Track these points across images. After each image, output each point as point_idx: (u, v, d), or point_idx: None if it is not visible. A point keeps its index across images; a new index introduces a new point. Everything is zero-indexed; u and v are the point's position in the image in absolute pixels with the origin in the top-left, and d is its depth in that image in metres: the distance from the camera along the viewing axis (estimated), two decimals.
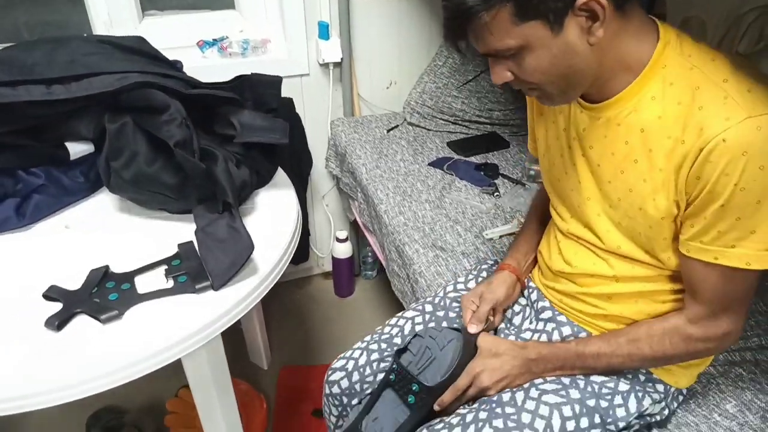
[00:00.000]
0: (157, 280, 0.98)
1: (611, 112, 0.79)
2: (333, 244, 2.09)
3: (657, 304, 0.87)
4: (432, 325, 1.05)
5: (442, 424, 0.88)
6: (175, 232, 1.08)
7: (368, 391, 1.03)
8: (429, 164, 1.70)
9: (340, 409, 1.06)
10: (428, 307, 1.09)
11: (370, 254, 2.21)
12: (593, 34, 0.70)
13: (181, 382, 1.57)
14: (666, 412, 0.92)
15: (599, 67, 0.74)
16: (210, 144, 1.12)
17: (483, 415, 0.86)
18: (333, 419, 1.10)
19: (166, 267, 1.00)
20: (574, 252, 0.93)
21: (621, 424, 0.87)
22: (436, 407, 0.91)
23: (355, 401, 1.04)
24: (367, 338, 1.09)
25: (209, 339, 0.93)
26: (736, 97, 0.67)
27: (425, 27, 1.91)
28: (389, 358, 1.03)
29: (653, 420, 0.92)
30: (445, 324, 1.05)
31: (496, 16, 0.68)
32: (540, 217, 1.09)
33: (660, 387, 0.90)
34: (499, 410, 0.86)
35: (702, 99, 0.70)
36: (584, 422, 0.85)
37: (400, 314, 1.11)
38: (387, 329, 1.09)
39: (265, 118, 1.21)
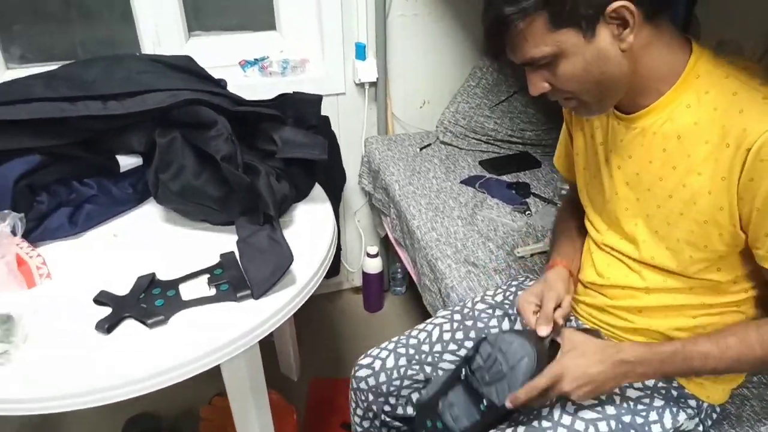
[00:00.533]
0: (200, 287, 1.02)
1: (647, 121, 0.82)
2: (363, 259, 2.12)
3: (687, 319, 0.88)
4: (460, 335, 1.06)
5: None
6: (218, 242, 1.13)
7: (395, 393, 1.06)
8: (461, 182, 1.72)
9: (365, 404, 1.10)
10: (457, 316, 1.11)
11: (399, 270, 2.24)
12: (624, 41, 0.73)
13: (215, 391, 1.61)
14: (701, 428, 0.92)
15: (632, 74, 0.77)
16: (253, 159, 1.17)
17: (521, 429, 0.88)
18: (359, 412, 1.13)
19: (209, 275, 1.04)
20: (607, 264, 0.95)
21: None
22: (507, 404, 0.84)
23: (381, 400, 1.07)
24: (395, 339, 1.11)
25: (248, 346, 0.97)
26: None
27: (459, 48, 1.95)
28: (416, 366, 1.05)
29: None
30: (473, 334, 1.06)
31: (531, 24, 0.73)
32: (574, 220, 1.09)
33: (692, 402, 0.90)
34: (536, 424, 0.88)
35: (741, 103, 0.72)
36: None
37: (429, 320, 1.14)
38: (415, 333, 1.11)
39: (306, 134, 1.25)
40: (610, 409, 0.88)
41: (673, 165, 0.80)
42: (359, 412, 1.14)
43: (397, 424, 1.12)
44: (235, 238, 1.11)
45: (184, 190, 1.10)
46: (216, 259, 1.08)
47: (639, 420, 0.87)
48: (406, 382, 1.06)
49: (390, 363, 1.07)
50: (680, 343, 0.82)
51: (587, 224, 1.01)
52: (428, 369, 1.07)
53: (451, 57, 1.96)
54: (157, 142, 1.10)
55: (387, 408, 1.08)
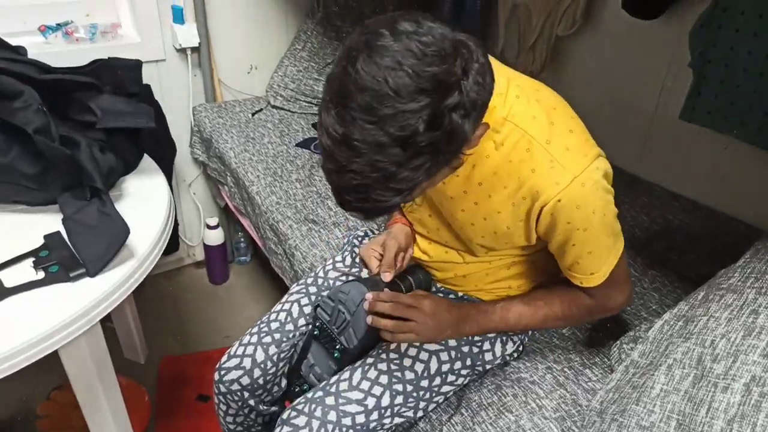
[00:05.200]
0: (25, 272, 0.95)
1: None
2: (204, 232, 2.07)
3: (504, 270, 1.00)
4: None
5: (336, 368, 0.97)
6: (37, 224, 1.05)
7: (271, 380, 1.06)
8: (296, 145, 1.76)
9: (240, 403, 1.07)
10: (312, 289, 1.12)
11: (242, 240, 2.22)
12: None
13: (50, 385, 1.50)
14: (521, 348, 1.08)
15: None
16: (69, 131, 1.09)
17: (370, 360, 0.96)
18: (231, 412, 1.11)
19: (33, 259, 0.97)
20: (428, 242, 1.04)
21: (488, 367, 1.02)
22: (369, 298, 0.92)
23: (258, 392, 1.06)
24: (255, 330, 1.07)
25: (89, 326, 0.93)
26: (560, 159, 0.78)
27: (281, 11, 1.95)
28: (286, 346, 1.06)
29: (510, 359, 1.07)
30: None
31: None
32: None
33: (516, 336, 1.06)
34: (384, 356, 0.96)
35: (532, 162, 0.79)
36: (458, 365, 0.98)
37: (284, 298, 1.13)
38: (274, 316, 1.09)
39: (128, 102, 1.19)
40: (452, 342, 0.99)
41: (475, 201, 0.88)
42: (231, 412, 1.11)
43: (273, 409, 1.11)
44: (59, 217, 1.04)
45: None
46: (40, 241, 1.01)
47: (475, 350, 1.00)
48: (281, 364, 1.06)
49: (260, 356, 1.04)
50: (498, 305, 0.96)
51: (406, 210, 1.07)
52: (298, 342, 1.08)
53: (275, 21, 1.95)
54: None
55: (265, 395, 1.07)
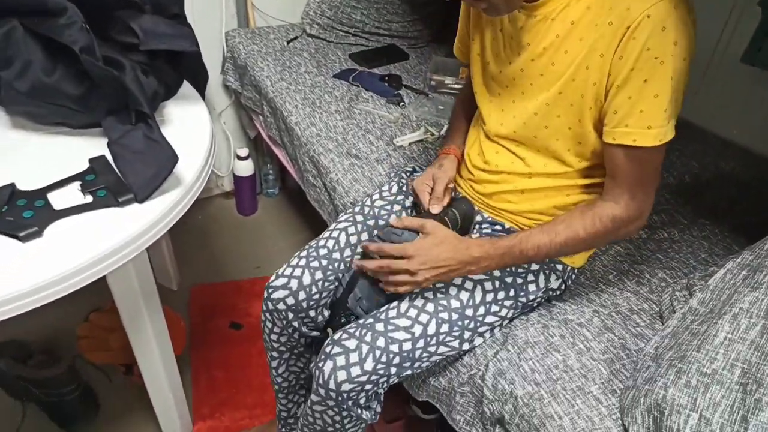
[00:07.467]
0: (73, 196, 0.94)
1: (546, 9, 0.86)
2: (234, 162, 2.05)
3: (563, 197, 0.99)
4: (365, 236, 1.09)
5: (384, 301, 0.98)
6: (81, 147, 1.03)
7: (314, 306, 1.07)
8: (334, 76, 1.70)
9: (284, 322, 1.10)
10: (359, 218, 1.12)
11: (271, 171, 2.20)
12: None
13: (90, 306, 1.52)
14: (563, 287, 1.07)
15: None
16: (110, 51, 1.05)
17: (417, 289, 0.96)
18: (276, 330, 1.13)
19: (80, 182, 0.96)
20: (495, 152, 1.02)
21: (531, 297, 1.01)
22: (355, 265, 0.95)
23: (301, 315, 1.08)
24: (304, 254, 1.09)
25: (137, 253, 0.92)
26: None
27: None
28: (331, 276, 1.07)
29: (553, 294, 1.06)
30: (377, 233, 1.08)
31: None
32: (466, 114, 1.17)
33: (560, 267, 1.04)
34: (431, 285, 0.96)
35: None
36: (501, 295, 0.98)
37: (332, 226, 1.13)
38: (322, 242, 1.10)
39: (169, 24, 1.14)
40: (496, 272, 0.98)
41: (564, 50, 0.86)
42: (276, 330, 1.13)
43: (314, 334, 1.13)
44: (102, 141, 1.02)
45: (34, 90, 0.97)
46: (84, 165, 0.99)
47: (519, 281, 0.99)
48: (324, 293, 1.08)
49: (307, 280, 1.06)
50: (517, 239, 0.91)
51: (478, 114, 1.07)
52: (341, 275, 1.08)
53: None
54: None
55: (308, 320, 1.09)
